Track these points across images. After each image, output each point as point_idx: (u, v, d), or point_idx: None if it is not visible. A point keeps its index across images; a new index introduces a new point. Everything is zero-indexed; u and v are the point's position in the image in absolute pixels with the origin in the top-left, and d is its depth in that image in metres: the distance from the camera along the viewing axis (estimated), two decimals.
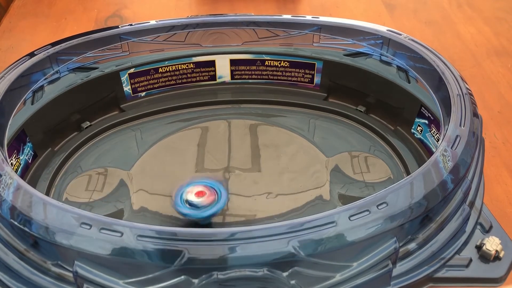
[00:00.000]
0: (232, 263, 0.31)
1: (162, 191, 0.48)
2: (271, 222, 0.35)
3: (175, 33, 0.55)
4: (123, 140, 0.54)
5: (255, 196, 0.47)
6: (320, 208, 0.46)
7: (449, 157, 0.37)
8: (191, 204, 0.45)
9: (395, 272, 0.35)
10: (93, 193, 0.47)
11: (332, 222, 0.32)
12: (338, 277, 0.33)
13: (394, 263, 0.35)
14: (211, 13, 0.63)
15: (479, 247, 0.38)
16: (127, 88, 0.56)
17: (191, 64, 0.58)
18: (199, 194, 0.45)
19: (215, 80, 0.59)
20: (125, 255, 0.31)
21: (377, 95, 0.54)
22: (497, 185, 0.48)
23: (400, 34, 0.52)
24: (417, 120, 0.50)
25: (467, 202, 0.39)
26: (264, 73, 0.59)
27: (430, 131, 0.49)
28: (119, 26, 0.54)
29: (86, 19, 0.75)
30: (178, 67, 0.57)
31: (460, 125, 0.40)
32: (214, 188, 0.46)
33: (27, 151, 0.48)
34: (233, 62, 0.58)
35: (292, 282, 0.32)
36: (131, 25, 0.55)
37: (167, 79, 0.58)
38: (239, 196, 0.47)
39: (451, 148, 0.38)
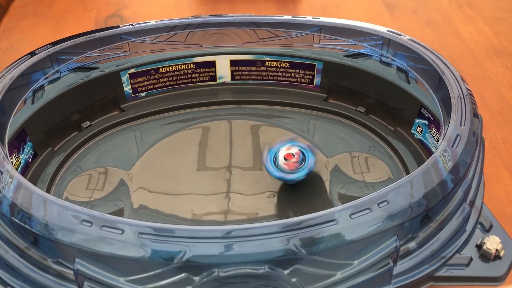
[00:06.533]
0: (233, 260, 0.31)
1: (162, 190, 0.48)
2: (272, 220, 0.35)
3: (176, 33, 0.55)
4: (123, 140, 0.54)
5: (256, 195, 0.47)
6: (320, 208, 0.45)
7: (449, 157, 0.37)
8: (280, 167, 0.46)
9: (396, 270, 0.35)
10: (94, 192, 0.47)
11: (333, 220, 0.32)
12: (339, 275, 0.33)
13: (394, 262, 0.35)
14: (211, 13, 0.63)
15: (479, 246, 0.38)
16: (127, 88, 0.56)
17: (192, 64, 0.58)
18: (288, 157, 0.46)
19: (216, 80, 0.59)
20: (126, 252, 0.31)
21: (377, 96, 0.54)
22: (497, 185, 0.48)
23: (400, 35, 0.52)
24: (417, 120, 0.50)
25: (467, 202, 0.39)
26: (264, 73, 0.59)
27: (430, 131, 0.49)
28: (120, 26, 0.55)
29: (86, 19, 0.76)
30: (178, 67, 0.57)
31: (460, 125, 0.40)
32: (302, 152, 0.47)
33: (27, 151, 0.48)
34: (233, 63, 0.58)
35: (293, 280, 0.32)
36: (131, 25, 0.55)
37: (167, 79, 0.58)
38: (240, 195, 0.47)
39: (451, 147, 0.38)
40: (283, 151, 0.46)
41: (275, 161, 0.46)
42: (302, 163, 0.46)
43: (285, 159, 0.46)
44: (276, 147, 0.47)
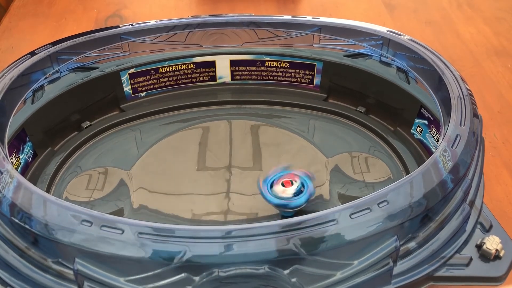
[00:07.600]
0: (233, 260, 0.31)
1: (162, 190, 0.48)
2: (272, 220, 0.35)
3: (176, 33, 0.55)
4: (123, 140, 0.54)
5: (256, 195, 0.47)
6: (320, 208, 0.45)
7: (449, 157, 0.37)
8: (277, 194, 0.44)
9: (396, 270, 0.35)
10: (93, 192, 0.47)
11: (333, 220, 0.32)
12: (339, 275, 0.33)
13: (394, 262, 0.35)
14: (211, 13, 0.63)
15: (479, 246, 0.38)
16: (127, 88, 0.56)
17: (191, 64, 0.58)
18: (286, 184, 0.44)
19: (215, 80, 0.59)
20: (125, 252, 0.31)
21: (377, 96, 0.54)
22: (497, 185, 0.48)
23: (400, 35, 0.52)
24: (417, 120, 0.50)
25: (467, 202, 0.39)
26: (264, 73, 0.59)
27: (429, 131, 0.49)
28: (120, 26, 0.55)
29: (86, 19, 0.76)
30: (178, 67, 0.57)
31: (460, 125, 0.40)
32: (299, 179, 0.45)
33: (27, 150, 0.48)
34: (233, 63, 0.58)
35: (293, 280, 0.32)
36: (131, 25, 0.55)
37: (167, 79, 0.58)
38: (240, 195, 0.47)
39: (451, 147, 0.38)
40: (279, 179, 0.45)
41: (271, 189, 0.44)
42: (300, 191, 0.44)
43: (283, 185, 0.44)
44: (272, 175, 0.45)
